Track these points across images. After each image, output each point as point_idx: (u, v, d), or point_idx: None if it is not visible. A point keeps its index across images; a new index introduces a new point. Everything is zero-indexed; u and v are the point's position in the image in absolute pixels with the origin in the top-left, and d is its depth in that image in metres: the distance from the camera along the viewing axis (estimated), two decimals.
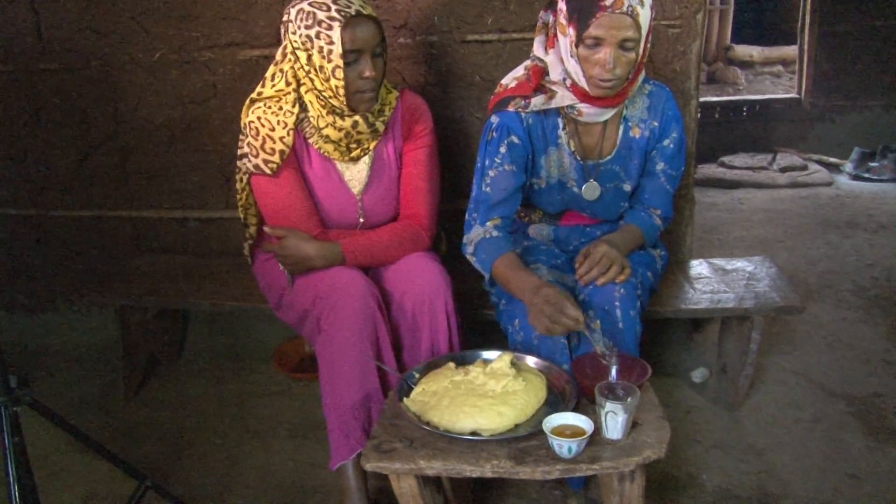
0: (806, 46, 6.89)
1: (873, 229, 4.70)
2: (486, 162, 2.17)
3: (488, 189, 2.16)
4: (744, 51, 10.14)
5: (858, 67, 6.67)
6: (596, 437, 1.65)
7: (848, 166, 6.24)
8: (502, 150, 2.15)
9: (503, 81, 2.23)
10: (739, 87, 9.61)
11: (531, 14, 2.69)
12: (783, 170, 6.16)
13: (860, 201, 5.43)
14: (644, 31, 1.95)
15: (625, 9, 1.89)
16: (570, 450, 1.60)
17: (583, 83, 2.03)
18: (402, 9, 2.74)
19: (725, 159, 6.44)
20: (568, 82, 2.08)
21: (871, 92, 6.66)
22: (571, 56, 2.00)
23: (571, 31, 1.96)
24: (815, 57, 6.84)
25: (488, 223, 2.17)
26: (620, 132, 2.21)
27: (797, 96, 7.09)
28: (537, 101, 2.11)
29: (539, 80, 2.12)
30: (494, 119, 2.16)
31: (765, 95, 8.16)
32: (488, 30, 2.74)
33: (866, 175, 6.06)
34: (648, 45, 2.03)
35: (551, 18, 2.10)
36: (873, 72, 6.63)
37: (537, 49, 2.16)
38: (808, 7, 6.80)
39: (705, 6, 2.68)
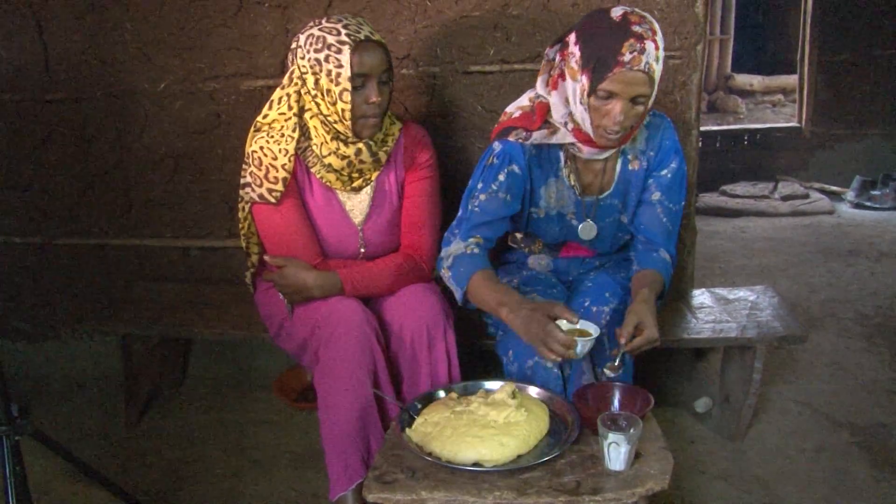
0: (806, 75, 6.94)
1: (875, 257, 4.70)
2: (480, 185, 2.14)
3: (476, 209, 2.12)
4: (744, 80, 10.23)
5: (858, 96, 6.71)
6: (598, 468, 1.65)
7: (849, 194, 6.27)
8: (501, 177, 2.12)
9: (508, 109, 2.22)
10: (740, 116, 9.68)
11: (532, 45, 2.71)
12: (784, 198, 6.19)
13: (862, 229, 5.44)
14: (656, 86, 1.93)
15: (642, 66, 1.86)
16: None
17: (588, 130, 2.00)
18: (405, 40, 2.77)
19: (727, 188, 6.47)
20: (570, 126, 2.05)
21: (871, 120, 6.70)
22: (581, 103, 1.96)
23: (584, 80, 1.93)
24: (816, 86, 6.89)
25: (470, 239, 2.11)
26: (619, 166, 2.19)
27: (798, 125, 7.13)
28: (538, 135, 2.09)
29: (544, 118, 2.10)
30: (497, 146, 2.14)
31: (765, 124, 8.21)
32: (490, 61, 2.76)
33: (868, 203, 6.08)
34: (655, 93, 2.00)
35: (558, 58, 2.06)
36: (873, 100, 6.67)
37: (540, 87, 2.13)
38: (808, 36, 6.86)
39: (705, 37, 2.70)
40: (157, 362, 3.05)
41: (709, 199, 6.23)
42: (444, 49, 2.78)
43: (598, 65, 1.88)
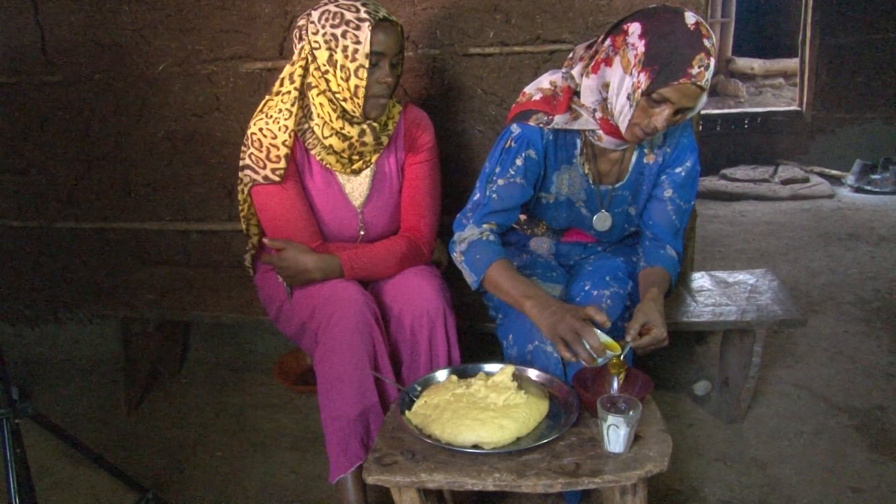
0: (807, 59, 6.92)
1: (875, 242, 4.70)
2: (498, 169, 2.10)
3: (494, 196, 2.09)
4: (745, 63, 10.18)
5: (859, 80, 6.70)
6: (598, 451, 1.65)
7: (849, 178, 6.27)
8: (518, 162, 2.08)
9: (527, 90, 2.16)
10: (741, 100, 9.65)
11: (532, 27, 2.70)
12: (785, 182, 6.19)
13: (862, 213, 5.44)
14: (703, 101, 1.91)
15: (703, 82, 1.82)
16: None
17: (621, 123, 1.95)
18: (405, 22, 2.75)
19: (727, 172, 6.47)
20: (598, 114, 2.01)
21: (872, 104, 6.69)
22: (628, 98, 1.90)
23: (642, 78, 1.85)
24: (817, 70, 6.87)
25: (484, 226, 2.09)
26: (634, 158, 2.16)
27: (798, 109, 7.12)
28: (560, 119, 2.05)
29: (569, 103, 2.05)
30: (516, 129, 2.09)
31: (766, 108, 8.18)
32: (490, 43, 2.75)
33: (868, 187, 6.08)
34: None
35: (608, 42, 1.96)
36: (874, 84, 6.66)
37: (576, 71, 2.06)
38: (809, 20, 6.83)
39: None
40: (156, 346, 3.05)
41: (709, 182, 6.22)
42: (443, 31, 2.76)
43: (664, 69, 1.82)
